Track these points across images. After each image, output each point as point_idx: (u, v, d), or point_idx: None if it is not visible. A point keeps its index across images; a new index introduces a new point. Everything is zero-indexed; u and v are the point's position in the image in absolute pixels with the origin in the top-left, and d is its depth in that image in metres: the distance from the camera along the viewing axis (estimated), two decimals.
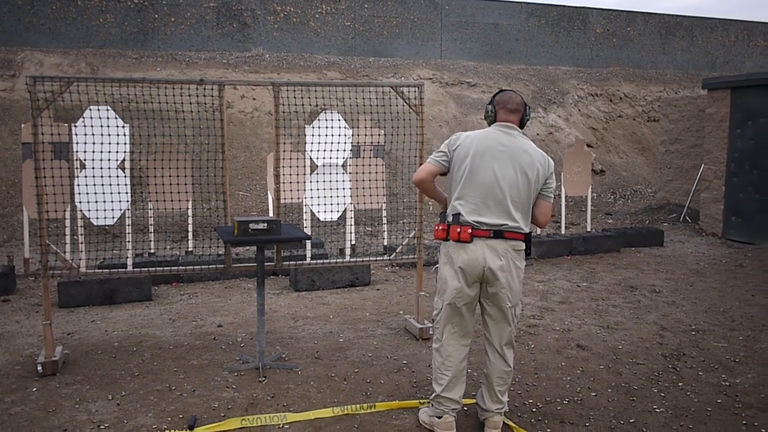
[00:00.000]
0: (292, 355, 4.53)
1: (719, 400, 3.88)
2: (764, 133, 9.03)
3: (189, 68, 14.10)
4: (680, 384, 4.13)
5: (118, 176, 5.00)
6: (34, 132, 4.19)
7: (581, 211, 11.69)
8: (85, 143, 4.76)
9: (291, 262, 5.16)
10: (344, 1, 16.77)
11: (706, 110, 10.10)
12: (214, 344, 4.77)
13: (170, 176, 5.91)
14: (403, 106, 5.17)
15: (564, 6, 18.90)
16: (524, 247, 3.40)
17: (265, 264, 4.54)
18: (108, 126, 4.87)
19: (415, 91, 5.20)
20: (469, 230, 3.29)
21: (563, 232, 8.68)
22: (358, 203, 7.11)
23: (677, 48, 20.12)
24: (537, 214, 3.49)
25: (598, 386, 4.07)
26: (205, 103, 10.35)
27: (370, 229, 9.86)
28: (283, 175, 6.56)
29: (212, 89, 4.82)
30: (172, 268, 4.83)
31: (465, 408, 3.65)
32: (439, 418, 3.41)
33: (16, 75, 12.40)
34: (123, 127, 4.98)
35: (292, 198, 6.62)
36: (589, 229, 8.72)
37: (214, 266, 4.82)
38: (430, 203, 9.37)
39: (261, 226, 4.20)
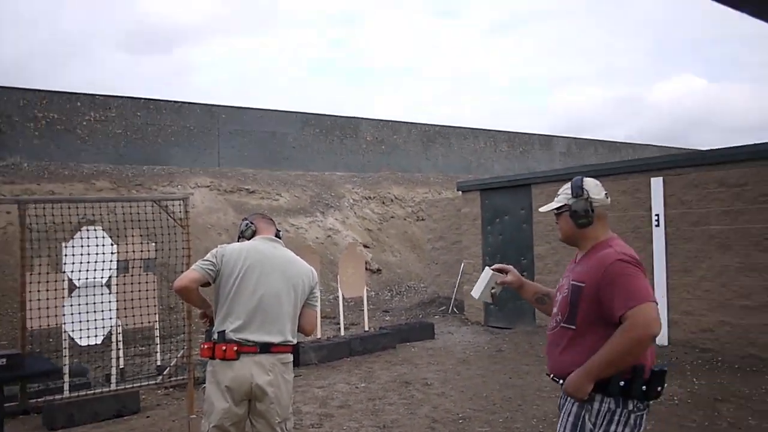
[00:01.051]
0: None
1: None
2: (509, 228, 10.30)
3: None
4: None
5: None
6: None
7: (361, 311, 12.13)
8: None
9: (41, 399, 4.59)
10: (115, 109, 16.27)
11: (462, 210, 11.30)
12: None
13: None
14: (180, 215, 5.07)
15: (336, 116, 20.27)
16: (292, 359, 3.44)
17: (6, 405, 4.01)
18: None
19: (180, 204, 5.15)
20: (235, 348, 3.26)
21: (342, 333, 8.91)
22: (126, 323, 6.67)
23: (438, 153, 22.47)
24: (303, 323, 3.57)
25: None
26: None
27: (143, 348, 9.21)
28: (36, 300, 5.98)
29: None
30: None
31: None
32: None
33: None
34: None
35: (48, 324, 6.04)
36: (366, 329, 9.05)
37: None
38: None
39: None
